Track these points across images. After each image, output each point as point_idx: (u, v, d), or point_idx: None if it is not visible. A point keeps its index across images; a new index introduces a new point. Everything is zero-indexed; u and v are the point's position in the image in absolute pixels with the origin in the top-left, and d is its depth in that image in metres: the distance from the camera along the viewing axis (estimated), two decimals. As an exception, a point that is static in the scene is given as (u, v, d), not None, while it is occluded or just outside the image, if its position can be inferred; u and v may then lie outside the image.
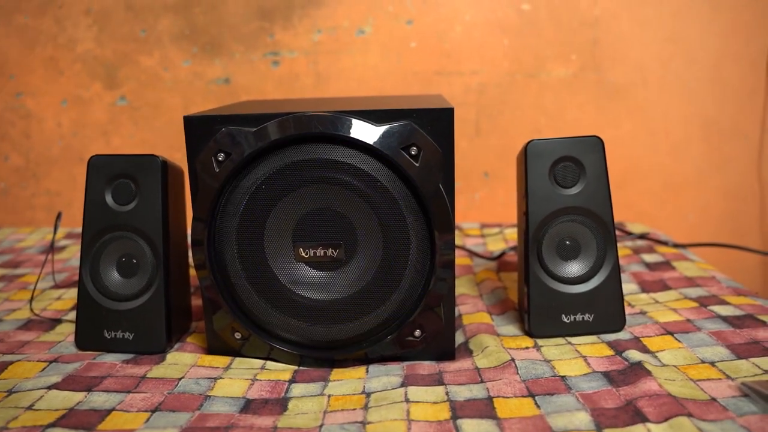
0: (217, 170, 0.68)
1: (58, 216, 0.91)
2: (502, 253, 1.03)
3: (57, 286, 0.98)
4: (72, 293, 0.95)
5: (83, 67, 1.30)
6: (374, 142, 0.65)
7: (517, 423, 0.56)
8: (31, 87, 1.31)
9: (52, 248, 0.93)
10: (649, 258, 0.98)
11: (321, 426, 0.56)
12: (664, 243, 1.04)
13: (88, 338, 0.76)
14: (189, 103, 1.29)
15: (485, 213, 1.30)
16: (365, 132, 0.66)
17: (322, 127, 0.66)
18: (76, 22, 1.28)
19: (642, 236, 1.07)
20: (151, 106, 1.30)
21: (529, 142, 0.75)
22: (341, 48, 1.25)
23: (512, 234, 1.15)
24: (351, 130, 0.66)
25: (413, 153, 0.66)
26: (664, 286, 0.88)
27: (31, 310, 0.88)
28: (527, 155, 0.75)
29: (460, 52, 1.24)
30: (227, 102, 1.28)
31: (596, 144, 0.75)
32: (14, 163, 1.35)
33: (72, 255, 1.13)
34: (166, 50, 1.28)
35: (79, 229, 1.28)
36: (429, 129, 0.66)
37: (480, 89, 1.25)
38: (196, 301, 0.89)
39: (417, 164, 0.66)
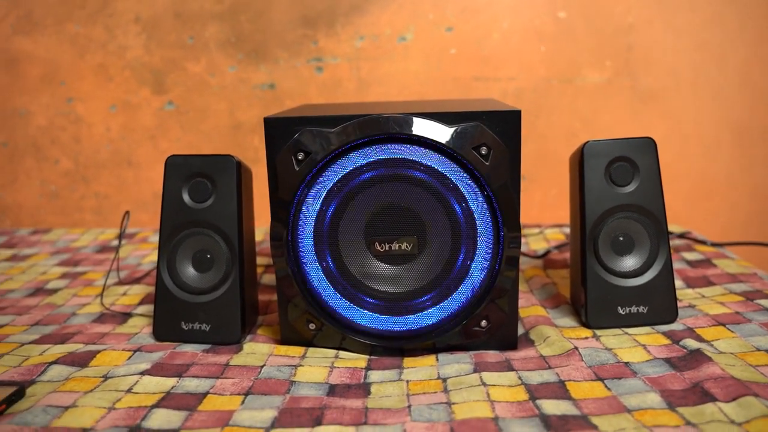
0: (297, 168, 0.72)
1: (126, 214, 0.96)
2: (547, 252, 1.07)
3: (121, 282, 1.02)
4: (136, 289, 0.99)
5: (132, 74, 1.34)
6: (447, 142, 0.69)
7: (593, 403, 0.59)
8: (81, 93, 1.36)
9: (119, 246, 0.97)
10: (689, 256, 1.02)
11: (409, 407, 0.60)
12: (702, 242, 1.08)
13: (166, 330, 0.80)
14: (235, 107, 1.34)
15: (523, 214, 1.34)
16: (438, 132, 0.70)
17: (398, 128, 0.70)
18: (125, 30, 1.33)
19: (681, 235, 1.11)
20: (197, 111, 1.34)
21: (585, 143, 0.79)
22: (383, 54, 1.29)
23: (552, 234, 1.19)
24: (425, 131, 0.70)
25: (483, 152, 0.70)
26: (708, 282, 0.92)
27: (102, 304, 0.92)
28: (584, 155, 0.79)
29: (498, 58, 1.29)
30: (272, 106, 1.33)
31: (650, 145, 0.79)
32: (64, 167, 1.39)
33: (128, 254, 1.17)
34: (212, 57, 1.32)
35: (130, 230, 1.32)
36: (497, 130, 0.70)
37: (517, 94, 1.30)
38: (260, 296, 0.93)
39: (487, 163, 0.70)
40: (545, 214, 1.33)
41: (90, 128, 1.37)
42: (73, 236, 1.29)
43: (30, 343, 0.79)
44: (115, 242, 1.25)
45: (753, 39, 1.26)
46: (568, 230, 1.21)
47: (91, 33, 1.33)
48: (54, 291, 0.99)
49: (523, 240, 1.18)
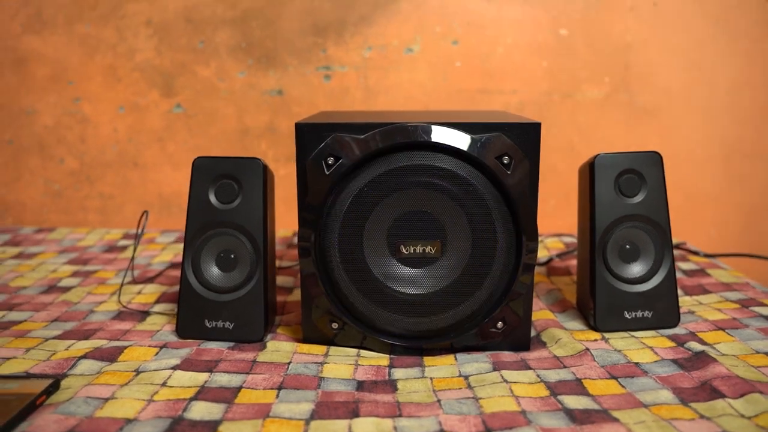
0: (327, 173, 0.75)
1: (144, 214, 0.98)
2: (550, 259, 1.11)
3: (135, 281, 1.03)
4: (151, 288, 1.00)
5: (141, 76, 1.36)
6: (471, 151, 0.73)
7: (610, 398, 0.63)
8: (89, 93, 1.37)
9: (136, 244, 0.99)
10: (684, 266, 1.07)
11: (439, 401, 0.63)
12: (696, 253, 1.13)
13: (190, 327, 0.82)
14: (242, 112, 1.36)
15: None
16: (463, 141, 0.73)
17: (425, 136, 0.73)
18: (136, 32, 1.34)
19: (676, 246, 1.16)
20: (206, 114, 1.36)
21: (596, 156, 0.83)
22: (390, 65, 1.33)
23: (552, 243, 1.24)
24: (450, 139, 0.73)
25: (505, 162, 0.74)
26: (704, 290, 0.96)
27: (119, 302, 0.94)
28: (595, 167, 0.83)
29: (502, 72, 1.33)
30: (280, 112, 1.35)
31: (656, 159, 0.84)
32: (69, 166, 1.40)
33: (137, 254, 1.19)
34: (222, 61, 1.35)
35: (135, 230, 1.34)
36: (517, 141, 0.74)
37: (519, 107, 1.34)
38: (277, 297, 0.96)
39: (509, 172, 0.74)
40: (544, 223, 1.37)
41: (97, 129, 1.38)
42: (78, 235, 1.30)
43: (54, 338, 0.81)
44: (122, 242, 1.26)
45: (741, 61, 1.33)
46: (567, 239, 1.26)
47: (101, 34, 1.35)
48: (67, 289, 1.00)
49: (524, 248, 1.22)
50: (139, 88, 1.36)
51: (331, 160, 0.75)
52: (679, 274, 1.04)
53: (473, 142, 0.73)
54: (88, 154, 1.39)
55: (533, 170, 0.75)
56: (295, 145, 0.76)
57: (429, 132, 0.73)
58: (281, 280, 1.04)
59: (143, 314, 0.90)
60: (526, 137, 0.74)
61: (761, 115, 1.35)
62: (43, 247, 1.24)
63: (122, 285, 0.97)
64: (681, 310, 0.88)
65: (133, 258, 1.03)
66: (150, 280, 1.05)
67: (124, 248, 1.23)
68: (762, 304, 0.89)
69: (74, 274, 1.07)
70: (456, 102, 1.34)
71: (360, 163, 0.75)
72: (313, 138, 0.75)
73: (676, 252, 1.14)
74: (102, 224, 1.42)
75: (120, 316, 0.90)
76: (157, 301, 0.95)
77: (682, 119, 1.35)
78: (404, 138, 0.73)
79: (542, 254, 1.18)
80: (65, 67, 1.36)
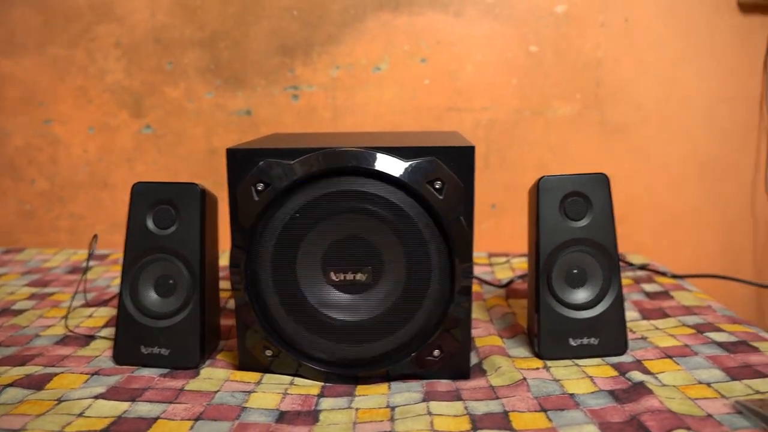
0: (257, 199, 0.73)
1: (94, 237, 0.97)
2: (511, 281, 1.09)
3: (88, 305, 1.03)
4: (102, 311, 1.00)
5: (111, 97, 1.36)
6: (402, 176, 0.72)
7: (533, 435, 0.61)
8: (60, 114, 1.38)
9: (86, 268, 0.99)
10: (648, 288, 1.04)
11: (353, 435, 0.61)
12: (663, 274, 1.10)
13: (126, 353, 0.81)
14: (211, 132, 1.36)
15: (492, 243, 1.36)
16: (394, 167, 0.72)
17: (355, 162, 0.72)
18: (106, 54, 1.35)
19: (642, 267, 1.13)
20: (174, 135, 1.36)
21: (541, 178, 0.81)
22: (358, 84, 1.32)
23: (519, 263, 1.21)
24: (381, 165, 0.72)
25: (437, 187, 0.72)
26: (663, 314, 0.94)
27: (67, 326, 0.93)
28: (539, 190, 0.81)
29: (471, 89, 1.32)
30: (248, 132, 1.35)
31: (602, 180, 0.81)
32: (40, 187, 1.41)
33: (98, 275, 1.18)
34: (191, 82, 1.35)
35: (102, 251, 1.33)
36: (451, 165, 0.73)
37: (489, 125, 1.33)
38: (224, 321, 0.94)
39: (441, 197, 0.72)
40: (515, 242, 1.35)
41: (68, 149, 1.39)
42: (45, 256, 1.30)
43: (-10, 364, 0.80)
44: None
45: (718, 76, 1.30)
46: (534, 260, 1.23)
47: (72, 56, 1.35)
48: (20, 312, 1.00)
49: (489, 269, 1.20)
50: (109, 109, 1.37)
51: (260, 186, 0.73)
52: (641, 297, 1.01)
53: (404, 167, 0.72)
54: (59, 174, 1.40)
55: (468, 193, 0.73)
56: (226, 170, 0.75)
57: (359, 158, 0.72)
58: (233, 303, 1.03)
59: (88, 338, 0.89)
60: (461, 161, 0.73)
61: (738, 132, 1.32)
62: (7, 269, 1.23)
63: (70, 309, 0.97)
64: (634, 336, 0.86)
65: (83, 280, 1.02)
66: (104, 303, 1.04)
67: (89, 269, 1.22)
68: (718, 329, 0.86)
69: (31, 297, 1.07)
70: (425, 120, 1.32)
71: (291, 189, 0.74)
72: (245, 163, 0.74)
73: (642, 273, 1.11)
74: (72, 245, 1.42)
75: (64, 340, 0.89)
76: (106, 325, 0.94)
77: (657, 136, 1.33)
78: (334, 163, 0.72)
79: (507, 275, 1.16)
80: (36, 89, 1.37)
